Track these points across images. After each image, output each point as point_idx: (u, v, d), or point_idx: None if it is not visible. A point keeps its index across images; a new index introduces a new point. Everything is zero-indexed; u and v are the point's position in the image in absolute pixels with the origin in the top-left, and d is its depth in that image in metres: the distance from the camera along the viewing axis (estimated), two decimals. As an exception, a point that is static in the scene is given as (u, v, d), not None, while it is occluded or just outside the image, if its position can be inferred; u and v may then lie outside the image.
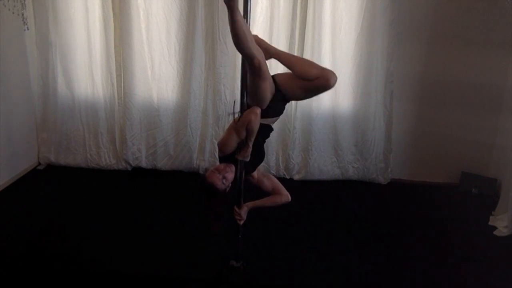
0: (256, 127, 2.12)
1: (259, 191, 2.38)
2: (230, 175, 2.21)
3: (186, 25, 3.54)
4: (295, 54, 3.58)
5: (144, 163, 3.85)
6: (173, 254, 2.56)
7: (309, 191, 3.64)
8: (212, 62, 3.62)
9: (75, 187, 3.51)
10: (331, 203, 3.49)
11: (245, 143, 2.17)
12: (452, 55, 3.65)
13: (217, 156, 2.35)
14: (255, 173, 2.38)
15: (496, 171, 3.72)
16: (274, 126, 2.41)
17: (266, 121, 2.23)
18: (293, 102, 3.69)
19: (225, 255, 2.49)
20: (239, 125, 2.13)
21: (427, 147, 3.89)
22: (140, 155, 3.82)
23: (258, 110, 2.13)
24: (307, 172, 3.82)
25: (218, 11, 3.46)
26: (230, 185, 2.24)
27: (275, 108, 2.22)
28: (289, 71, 2.22)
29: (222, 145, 2.24)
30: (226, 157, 2.26)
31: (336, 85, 3.72)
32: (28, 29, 3.47)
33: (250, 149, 2.18)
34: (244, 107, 2.19)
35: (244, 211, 2.34)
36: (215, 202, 2.23)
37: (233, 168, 2.24)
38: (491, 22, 3.51)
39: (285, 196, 2.43)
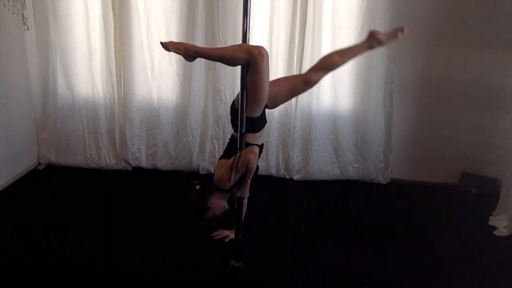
0: (255, 166, 2.18)
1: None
2: (219, 213, 2.37)
3: (186, 25, 3.54)
4: (295, 54, 3.59)
5: (144, 163, 3.85)
6: (173, 254, 2.56)
7: (309, 191, 3.64)
8: (212, 62, 3.61)
9: (75, 187, 3.51)
10: (331, 203, 3.48)
11: (244, 181, 2.21)
12: (452, 55, 3.65)
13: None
14: None
15: (496, 171, 3.72)
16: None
17: (255, 139, 2.28)
18: (293, 102, 3.70)
19: (225, 255, 2.49)
20: (240, 165, 2.14)
21: (427, 147, 3.89)
22: (140, 155, 3.82)
23: (256, 149, 2.17)
24: (307, 172, 3.82)
25: (218, 11, 3.46)
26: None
27: (263, 117, 2.27)
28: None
29: (220, 182, 2.25)
30: (220, 190, 2.29)
31: (336, 85, 3.77)
32: (28, 29, 3.48)
33: (248, 187, 2.22)
34: (244, 109, 2.19)
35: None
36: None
37: (222, 202, 2.36)
38: (491, 22, 3.51)
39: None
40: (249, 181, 2.22)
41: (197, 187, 2.33)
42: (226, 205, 2.38)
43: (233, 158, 2.19)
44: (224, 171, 2.22)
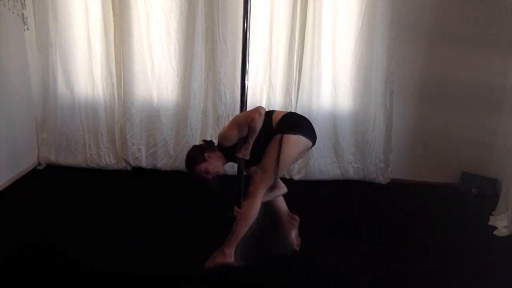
0: (258, 126, 2.13)
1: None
2: (213, 170, 2.30)
3: (186, 25, 3.54)
4: (295, 54, 3.58)
5: (144, 163, 3.85)
6: (173, 254, 2.56)
7: (309, 191, 3.64)
8: (212, 62, 3.62)
9: (75, 187, 3.51)
10: (331, 203, 3.48)
11: (246, 140, 2.18)
12: (452, 55, 3.65)
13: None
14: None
15: (496, 171, 3.72)
16: None
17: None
18: (293, 101, 3.70)
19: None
20: (242, 122, 2.14)
21: (427, 147, 3.89)
22: (140, 155, 3.82)
23: (262, 110, 2.14)
24: (307, 172, 3.82)
25: (218, 11, 3.46)
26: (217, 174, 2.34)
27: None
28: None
29: (222, 138, 2.26)
30: (223, 149, 2.28)
31: (336, 85, 3.77)
32: (28, 29, 3.48)
33: (250, 147, 2.19)
34: (244, 107, 2.19)
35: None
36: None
37: (219, 161, 2.32)
38: (491, 22, 3.51)
39: (282, 188, 2.46)
40: (251, 142, 2.19)
41: (202, 141, 2.41)
42: (222, 169, 2.35)
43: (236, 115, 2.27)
44: (227, 128, 2.25)
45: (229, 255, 2.31)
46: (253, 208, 2.24)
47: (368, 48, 3.56)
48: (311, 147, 2.41)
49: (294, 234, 2.57)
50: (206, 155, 2.29)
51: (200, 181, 2.33)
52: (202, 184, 2.33)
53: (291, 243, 2.55)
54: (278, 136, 2.22)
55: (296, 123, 2.34)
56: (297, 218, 2.58)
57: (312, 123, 3.61)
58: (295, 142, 2.24)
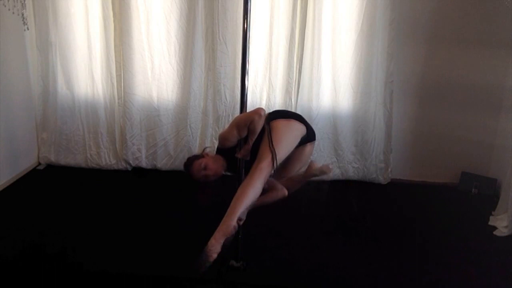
0: (258, 128, 2.13)
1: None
2: (213, 166, 2.29)
3: (186, 25, 3.54)
4: (295, 54, 3.58)
5: (144, 163, 3.85)
6: (173, 254, 2.56)
7: (309, 191, 3.64)
8: (212, 62, 3.62)
9: (75, 187, 3.51)
10: (331, 203, 3.48)
11: (246, 142, 2.18)
12: (452, 55, 3.65)
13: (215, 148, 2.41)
14: None
15: (496, 171, 3.72)
16: None
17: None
18: (293, 101, 3.70)
19: (225, 255, 2.48)
20: (242, 122, 2.13)
21: (427, 147, 3.89)
22: (140, 155, 3.83)
23: (263, 112, 2.14)
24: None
25: (218, 11, 3.46)
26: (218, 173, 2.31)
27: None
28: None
29: (222, 138, 2.26)
30: (223, 151, 2.28)
31: (336, 85, 3.77)
32: (28, 29, 3.48)
33: (250, 148, 2.19)
34: (244, 107, 2.19)
35: (243, 212, 2.34)
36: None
37: (219, 161, 2.32)
38: (491, 22, 3.51)
39: (281, 190, 2.44)
40: (251, 143, 2.17)
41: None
42: (221, 170, 2.33)
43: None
44: (227, 129, 2.23)
45: (231, 223, 2.02)
46: (249, 186, 2.04)
47: (368, 48, 3.56)
48: (309, 139, 2.37)
49: (316, 165, 2.48)
50: (204, 153, 2.32)
51: (200, 181, 2.33)
52: (201, 184, 2.34)
53: (322, 172, 2.46)
54: (267, 125, 2.21)
55: (282, 112, 2.41)
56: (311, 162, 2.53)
57: (312, 123, 3.64)
58: (284, 124, 2.23)
